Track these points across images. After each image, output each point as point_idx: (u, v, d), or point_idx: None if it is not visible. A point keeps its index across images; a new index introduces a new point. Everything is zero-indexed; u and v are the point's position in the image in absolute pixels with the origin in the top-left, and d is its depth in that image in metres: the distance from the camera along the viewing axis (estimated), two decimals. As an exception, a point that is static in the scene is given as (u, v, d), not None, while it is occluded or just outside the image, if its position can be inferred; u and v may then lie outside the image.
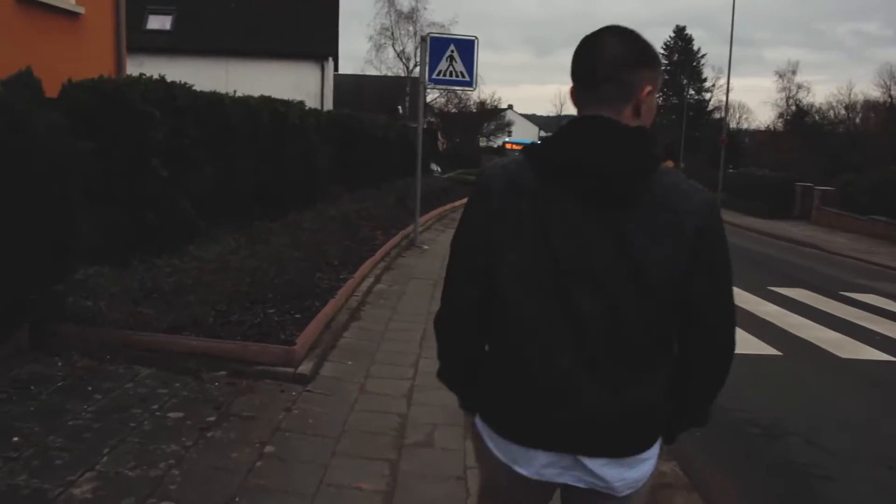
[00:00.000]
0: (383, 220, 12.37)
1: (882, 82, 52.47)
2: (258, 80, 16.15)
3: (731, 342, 1.72)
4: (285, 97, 11.72)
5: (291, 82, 20.41)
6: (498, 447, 1.75)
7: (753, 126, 64.74)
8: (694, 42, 70.67)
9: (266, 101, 10.41)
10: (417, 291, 8.27)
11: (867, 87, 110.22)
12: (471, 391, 1.85)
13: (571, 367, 1.63)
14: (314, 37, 25.25)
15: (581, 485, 1.71)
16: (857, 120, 58.77)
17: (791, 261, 16.05)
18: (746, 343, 7.14)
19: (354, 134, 15.95)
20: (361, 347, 5.79)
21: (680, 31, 70.02)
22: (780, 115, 61.81)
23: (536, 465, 1.71)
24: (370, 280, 8.26)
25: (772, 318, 8.74)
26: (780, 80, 71.03)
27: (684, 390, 1.73)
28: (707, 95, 70.59)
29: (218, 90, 9.01)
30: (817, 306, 9.79)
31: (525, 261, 1.64)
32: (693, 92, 70.01)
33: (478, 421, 1.82)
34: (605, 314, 1.61)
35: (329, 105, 24.64)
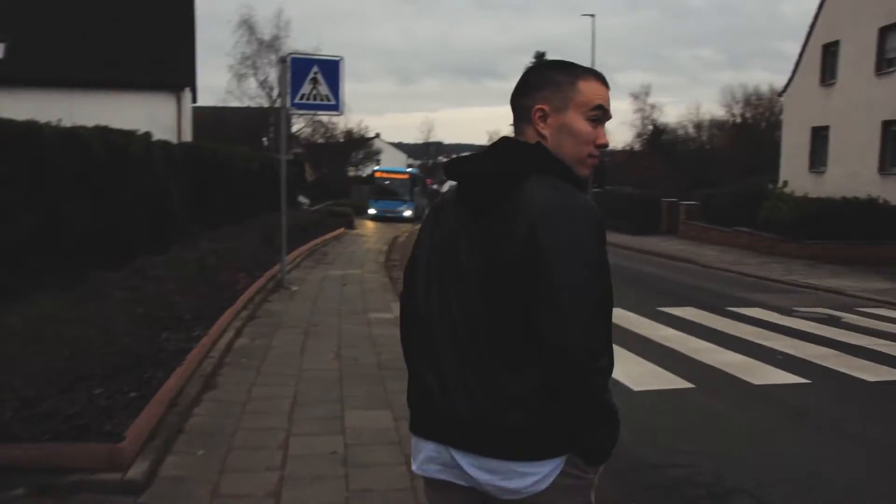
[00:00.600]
0: (247, 260, 11.13)
1: (725, 102, 55.81)
2: (107, 113, 14.49)
3: (575, 362, 1.61)
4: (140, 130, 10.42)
5: (145, 115, 18.61)
6: (412, 443, 1.85)
7: (612, 146, 67.20)
8: (553, 67, 72.89)
9: (101, 131, 9.04)
10: (286, 344, 7.17)
11: (712, 107, 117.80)
12: None
13: (443, 361, 1.74)
14: (169, 66, 23.41)
15: (462, 482, 1.74)
16: (704, 137, 62.29)
17: (670, 277, 15.99)
18: (658, 377, 6.53)
19: (212, 167, 14.63)
20: (216, 428, 4.65)
21: (540, 57, 72.01)
22: (639, 135, 64.65)
23: (421, 457, 1.80)
24: (230, 334, 7.08)
25: (671, 344, 8.23)
26: (636, 102, 74.48)
27: (559, 407, 1.66)
28: (568, 118, 72.69)
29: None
30: (711, 325, 9.43)
31: (426, 260, 1.83)
32: (555, 115, 71.83)
33: None
34: (468, 314, 1.70)
35: (188, 138, 22.91)
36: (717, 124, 61.39)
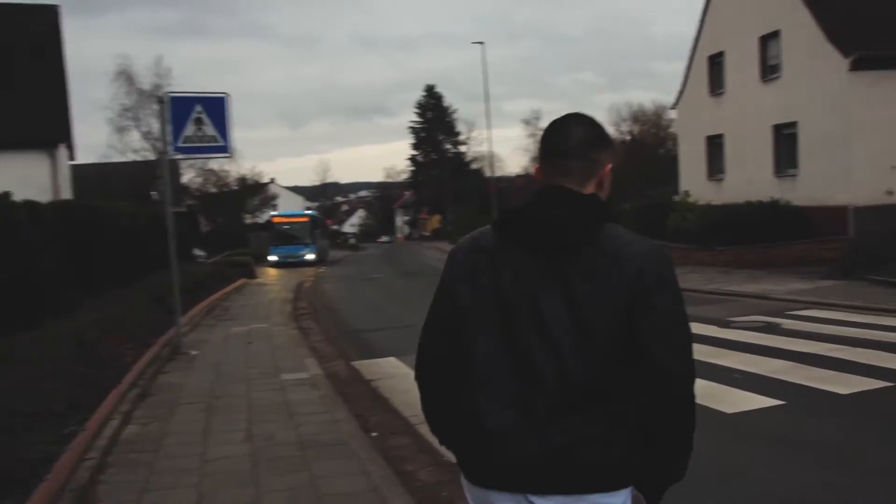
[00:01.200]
0: (136, 327, 9.82)
1: (613, 121, 57.37)
2: (-27, 177, 12.81)
3: (682, 385, 1.73)
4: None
5: (16, 176, 16.70)
6: (471, 495, 1.86)
7: (508, 172, 67.88)
8: (444, 99, 73.35)
9: (-60, 195, 7.65)
10: (186, 426, 6.01)
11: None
12: (448, 444, 1.95)
13: (518, 406, 1.74)
14: (40, 122, 21.47)
15: None
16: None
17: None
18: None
19: (91, 226, 13.14)
20: (92, 567, 3.53)
21: (430, 90, 72.24)
22: (535, 159, 65.70)
23: None
24: (115, 423, 5.88)
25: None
26: (528, 127, 75.96)
27: (643, 436, 1.73)
28: (463, 148, 73.30)
29: None
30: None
31: (479, 307, 1.81)
32: (450, 146, 72.20)
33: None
34: (549, 354, 1.72)
35: (67, 197, 20.99)
36: (607, 143, 63.04)
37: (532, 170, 2.20)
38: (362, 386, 7.74)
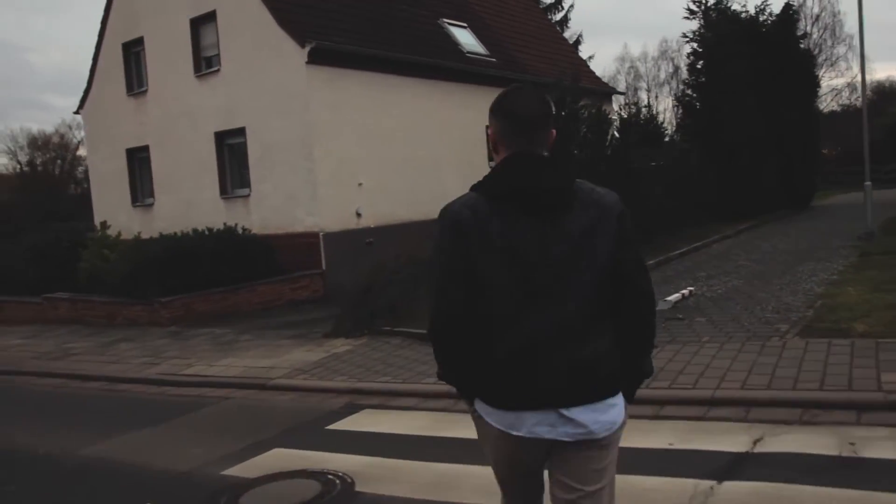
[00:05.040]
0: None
1: (9, 150, 47.30)
2: None
3: (653, 300, 2.34)
4: None
5: None
6: (496, 419, 2.22)
7: None
8: None
9: None
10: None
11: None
12: (468, 381, 2.29)
13: (543, 337, 2.16)
14: None
15: (568, 439, 2.18)
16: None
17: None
18: None
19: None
20: None
21: None
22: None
23: (528, 424, 2.18)
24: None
25: None
26: None
27: (629, 343, 2.27)
28: None
29: None
30: None
31: (498, 263, 2.17)
32: None
33: (477, 403, 2.28)
34: (564, 292, 2.18)
35: None
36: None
37: (490, 134, 2.37)
38: None
